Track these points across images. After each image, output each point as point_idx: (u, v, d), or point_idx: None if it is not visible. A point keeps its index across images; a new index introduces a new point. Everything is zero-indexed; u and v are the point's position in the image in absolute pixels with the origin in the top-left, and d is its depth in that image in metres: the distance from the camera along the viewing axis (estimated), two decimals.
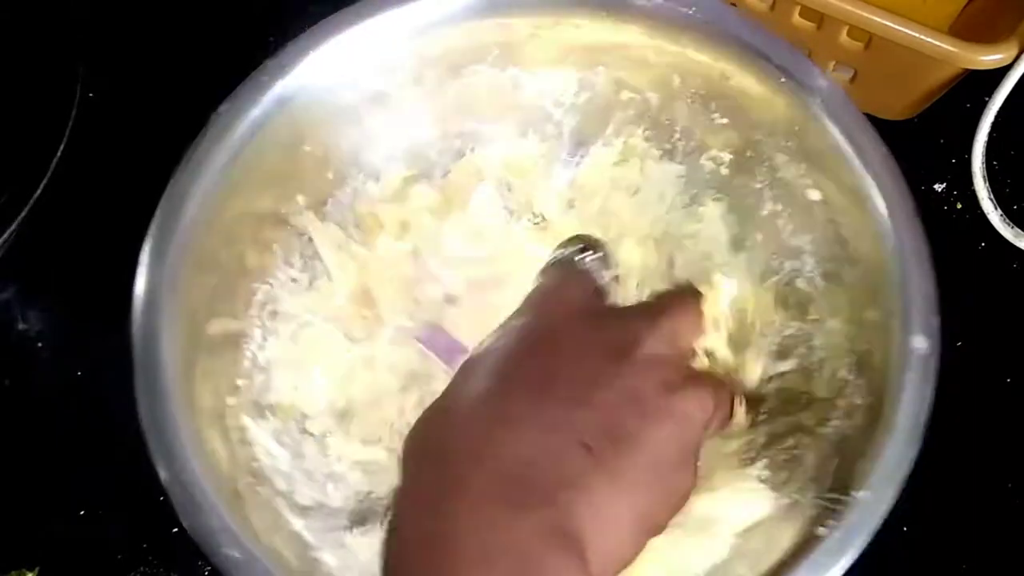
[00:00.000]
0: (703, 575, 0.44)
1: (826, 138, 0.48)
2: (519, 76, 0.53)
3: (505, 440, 0.35)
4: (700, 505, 0.46)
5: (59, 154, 0.55)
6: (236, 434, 0.47)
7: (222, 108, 0.47)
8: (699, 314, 0.43)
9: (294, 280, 0.52)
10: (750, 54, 0.49)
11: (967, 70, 0.54)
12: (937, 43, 0.52)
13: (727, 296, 0.47)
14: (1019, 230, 0.53)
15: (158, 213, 0.46)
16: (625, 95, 0.54)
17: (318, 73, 0.49)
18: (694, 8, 0.49)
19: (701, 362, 0.44)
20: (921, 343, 0.43)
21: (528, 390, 0.36)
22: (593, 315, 0.41)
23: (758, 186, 0.52)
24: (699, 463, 0.39)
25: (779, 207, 0.51)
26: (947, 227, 0.58)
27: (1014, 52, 0.51)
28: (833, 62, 0.58)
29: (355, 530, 0.48)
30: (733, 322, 0.47)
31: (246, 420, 0.48)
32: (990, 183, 0.53)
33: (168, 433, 0.42)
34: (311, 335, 0.52)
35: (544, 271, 0.44)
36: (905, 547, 0.51)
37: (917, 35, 0.52)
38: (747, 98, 0.50)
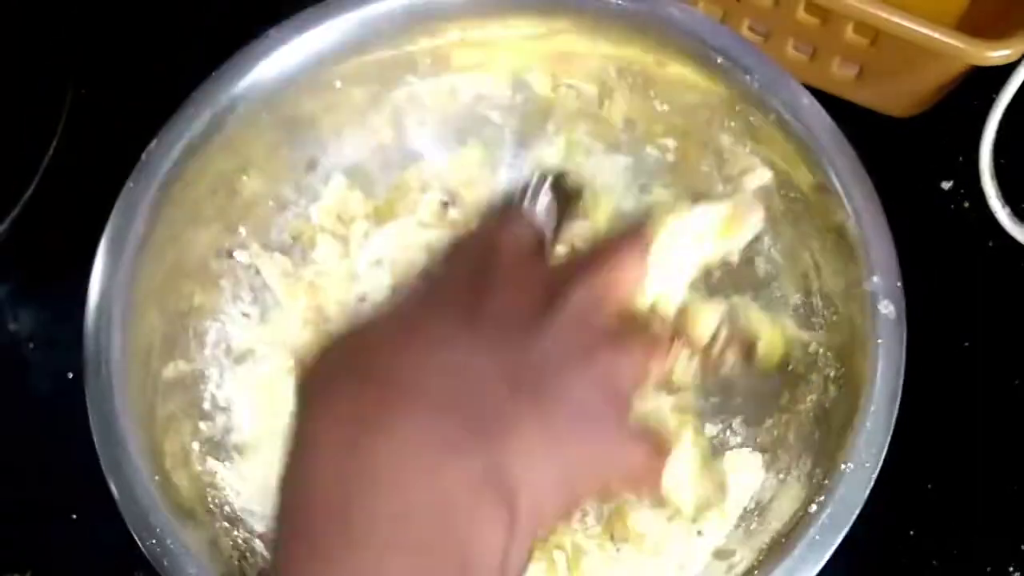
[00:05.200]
0: (708, 558, 0.44)
1: (768, 115, 0.48)
2: (453, 83, 0.52)
3: (428, 365, 0.32)
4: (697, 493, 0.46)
5: (51, 151, 0.54)
6: (207, 478, 0.46)
7: (151, 147, 0.46)
8: (640, 262, 0.38)
9: (245, 315, 0.51)
10: (684, 38, 0.48)
11: (974, 66, 0.53)
12: (944, 39, 0.51)
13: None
14: None
15: (98, 260, 0.44)
16: (562, 91, 0.53)
17: (249, 100, 0.47)
18: None
19: (642, 309, 0.39)
20: (889, 308, 0.43)
21: (456, 316, 0.34)
22: (530, 262, 0.39)
23: (706, 169, 0.52)
24: (639, 427, 0.36)
25: (729, 188, 0.51)
26: (954, 225, 0.57)
27: (1022, 48, 0.50)
28: (839, 58, 0.56)
29: None
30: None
31: (213, 463, 0.47)
32: (998, 181, 0.52)
33: (135, 486, 0.41)
34: (269, 368, 0.50)
35: (493, 213, 0.45)
36: (911, 551, 0.51)
37: (924, 31, 0.51)
38: (686, 83, 0.50)
